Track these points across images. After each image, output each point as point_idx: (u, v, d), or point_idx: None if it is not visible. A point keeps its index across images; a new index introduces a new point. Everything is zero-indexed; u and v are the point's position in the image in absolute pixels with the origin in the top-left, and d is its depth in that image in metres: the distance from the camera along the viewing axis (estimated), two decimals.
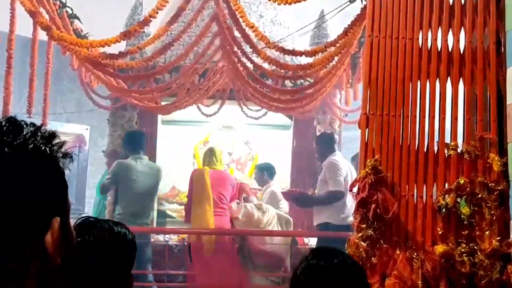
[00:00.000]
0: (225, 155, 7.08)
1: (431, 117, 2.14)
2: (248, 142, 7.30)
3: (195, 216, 4.21)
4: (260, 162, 6.50)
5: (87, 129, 8.27)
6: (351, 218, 3.79)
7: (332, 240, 3.42)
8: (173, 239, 4.60)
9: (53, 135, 0.60)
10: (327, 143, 4.18)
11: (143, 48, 3.79)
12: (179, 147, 7.08)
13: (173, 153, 6.98)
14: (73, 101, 9.37)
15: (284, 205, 5.02)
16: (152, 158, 5.53)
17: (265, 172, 5.31)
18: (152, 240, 4.66)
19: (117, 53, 3.53)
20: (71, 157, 0.60)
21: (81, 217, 1.24)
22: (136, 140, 4.37)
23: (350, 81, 5.03)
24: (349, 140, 6.82)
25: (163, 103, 5.34)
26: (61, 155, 0.60)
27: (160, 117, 6.01)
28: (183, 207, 6.17)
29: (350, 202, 3.83)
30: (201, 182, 4.26)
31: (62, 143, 0.60)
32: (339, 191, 3.73)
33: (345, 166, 3.93)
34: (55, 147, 0.60)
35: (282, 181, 6.53)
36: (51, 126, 4.57)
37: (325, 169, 3.94)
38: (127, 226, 1.30)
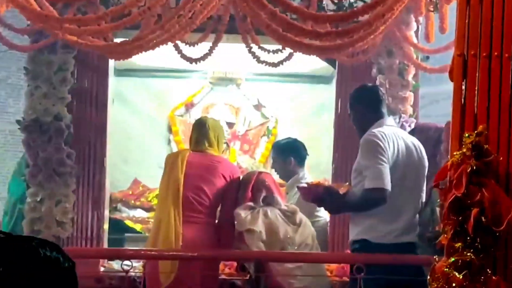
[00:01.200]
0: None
1: None
2: (261, 105, 7.32)
3: (153, 227, 4.55)
4: (281, 138, 6.53)
5: None
6: (411, 234, 3.99)
7: (395, 268, 3.74)
8: (136, 268, 4.52)
9: None
10: (367, 103, 4.27)
11: None
12: (145, 114, 7.14)
13: (135, 125, 7.00)
14: None
15: (324, 212, 5.00)
16: (99, 132, 5.66)
17: (290, 154, 5.34)
18: (102, 269, 4.90)
19: None
20: None
21: None
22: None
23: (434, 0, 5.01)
24: (432, 101, 6.72)
25: (117, 40, 5.18)
26: None
27: (113, 64, 6.00)
28: (152, 214, 6.24)
29: (411, 207, 4.01)
30: (170, 171, 4.51)
31: None
32: (379, 190, 3.89)
33: (397, 143, 4.06)
34: None
35: (318, 170, 6.56)
36: None
37: (359, 152, 4.10)
38: (60, 247, 1.34)
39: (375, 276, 3.79)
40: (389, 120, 4.25)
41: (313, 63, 6.30)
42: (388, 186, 3.81)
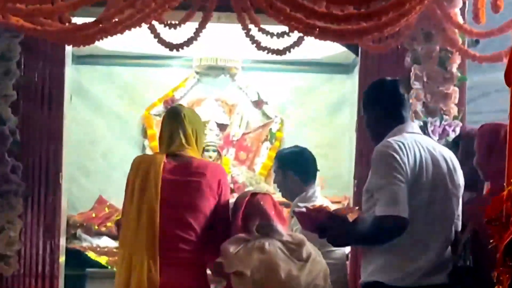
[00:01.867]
0: (211, 130, 7.24)
1: None
2: (262, 102, 7.36)
3: (118, 273, 4.27)
4: (288, 143, 6.64)
5: None
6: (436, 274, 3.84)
7: None
8: None
9: None
10: (383, 104, 4.21)
11: None
12: (113, 113, 7.23)
13: (99, 128, 7.02)
14: None
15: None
16: (54, 138, 5.66)
17: (290, 168, 5.34)
18: None
19: None
20: None
21: None
22: None
23: None
24: (482, 94, 6.73)
25: (75, 21, 5.20)
26: None
27: (70, 50, 6.01)
28: None
29: (441, 238, 3.94)
30: (141, 193, 4.26)
31: None
32: (393, 218, 3.78)
33: (420, 155, 3.95)
34: None
35: (336, 185, 6.59)
36: None
37: (371, 167, 4.03)
38: None
39: None
40: (412, 126, 4.18)
41: (328, 49, 6.33)
42: (404, 213, 3.73)
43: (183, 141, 4.39)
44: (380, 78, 4.65)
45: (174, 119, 4.48)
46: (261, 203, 4.49)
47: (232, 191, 7.15)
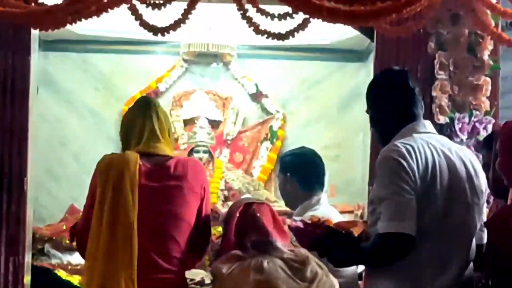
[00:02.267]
0: (202, 127, 7.24)
1: None
2: (261, 94, 7.38)
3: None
4: (291, 143, 6.78)
5: None
6: None
7: None
8: None
9: None
10: (390, 99, 4.19)
11: None
12: (86, 108, 7.31)
13: (71, 125, 7.06)
14: None
15: None
16: (17, 136, 5.66)
17: (293, 173, 5.36)
18: None
19: None
20: None
21: None
22: None
23: None
24: None
25: (43, 0, 5.22)
26: None
27: (36, 36, 6.00)
28: None
29: (460, 256, 3.89)
30: (114, 203, 4.14)
31: None
32: (396, 236, 3.74)
33: (433, 160, 3.91)
34: None
35: (348, 192, 6.60)
36: None
37: (375, 175, 4.01)
38: None
39: None
40: (424, 124, 4.13)
41: (339, 33, 6.32)
42: (411, 230, 3.68)
43: (158, 135, 4.33)
44: (386, 69, 4.64)
45: (146, 109, 4.42)
46: (258, 214, 4.45)
47: (226, 199, 7.16)
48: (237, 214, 4.41)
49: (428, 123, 4.15)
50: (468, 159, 3.99)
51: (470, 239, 3.88)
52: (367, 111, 4.34)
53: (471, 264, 3.91)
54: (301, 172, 5.27)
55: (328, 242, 3.93)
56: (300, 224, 4.13)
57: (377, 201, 3.82)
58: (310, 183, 5.25)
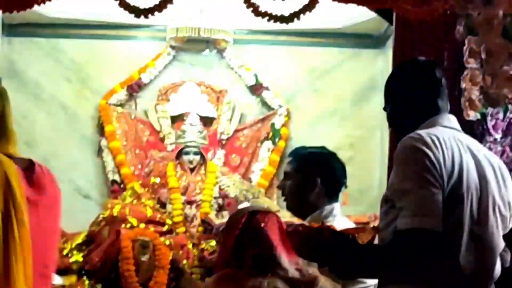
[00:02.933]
0: (192, 125, 7.28)
1: None
2: (261, 86, 7.38)
3: None
4: (296, 143, 6.64)
5: None
6: None
7: None
8: None
9: None
10: (413, 91, 4.17)
11: None
12: (57, 102, 7.35)
13: (39, 122, 7.23)
14: None
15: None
16: None
17: (327, 175, 5.28)
18: None
19: None
20: None
21: None
22: None
23: None
24: None
25: None
26: None
27: None
28: (72, 278, 6.43)
29: (488, 263, 3.87)
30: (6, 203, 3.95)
31: None
32: (424, 231, 3.69)
33: (460, 155, 3.89)
34: None
35: (363, 200, 6.67)
36: None
37: (394, 167, 3.95)
38: None
39: None
40: (449, 119, 4.06)
41: (352, 15, 6.32)
42: (438, 227, 3.64)
43: (8, 136, 4.12)
44: (410, 59, 4.65)
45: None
46: (262, 226, 4.49)
47: (221, 208, 7.19)
48: (239, 225, 4.43)
49: (453, 118, 4.12)
50: (497, 164, 4.00)
51: (496, 254, 3.89)
52: (384, 108, 4.34)
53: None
54: (330, 174, 5.26)
55: (332, 248, 3.89)
56: (294, 227, 4.09)
57: (396, 196, 3.79)
58: (336, 189, 5.25)
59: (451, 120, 4.06)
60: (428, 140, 3.76)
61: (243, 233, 4.38)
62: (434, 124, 3.97)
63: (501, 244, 3.87)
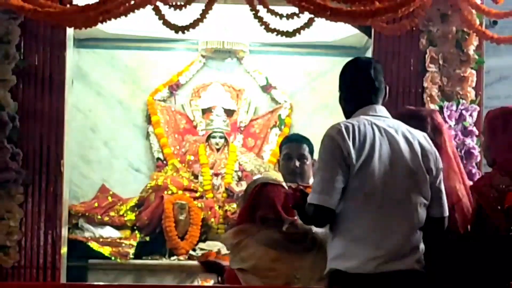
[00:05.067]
0: (218, 115, 7.26)
1: None
2: (271, 86, 7.37)
3: None
4: (297, 130, 6.62)
5: None
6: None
7: None
8: None
9: None
10: (348, 85, 4.08)
11: None
12: (115, 99, 7.26)
13: (101, 114, 7.17)
14: None
15: None
16: (54, 124, 5.70)
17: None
18: None
19: None
20: None
21: None
22: None
23: None
24: (500, 78, 6.71)
25: (77, 2, 5.28)
26: None
27: (71, 33, 6.03)
28: (127, 232, 6.32)
29: (403, 225, 3.83)
30: None
31: None
32: (317, 207, 3.78)
33: (373, 138, 3.83)
34: None
35: None
36: None
37: None
38: None
39: None
40: (376, 108, 4.01)
41: (340, 31, 6.27)
42: (328, 203, 3.73)
43: None
44: (354, 58, 4.58)
45: None
46: (271, 195, 4.47)
47: (240, 179, 7.18)
48: (253, 193, 4.46)
49: (382, 109, 4.04)
50: (416, 139, 3.93)
51: (412, 210, 3.83)
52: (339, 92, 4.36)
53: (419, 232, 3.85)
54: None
55: (298, 201, 3.95)
56: (290, 191, 4.14)
57: (314, 173, 3.94)
58: None
59: (378, 110, 4.01)
60: (342, 128, 3.76)
61: (255, 199, 4.42)
62: (359, 114, 3.94)
63: (422, 200, 3.86)
